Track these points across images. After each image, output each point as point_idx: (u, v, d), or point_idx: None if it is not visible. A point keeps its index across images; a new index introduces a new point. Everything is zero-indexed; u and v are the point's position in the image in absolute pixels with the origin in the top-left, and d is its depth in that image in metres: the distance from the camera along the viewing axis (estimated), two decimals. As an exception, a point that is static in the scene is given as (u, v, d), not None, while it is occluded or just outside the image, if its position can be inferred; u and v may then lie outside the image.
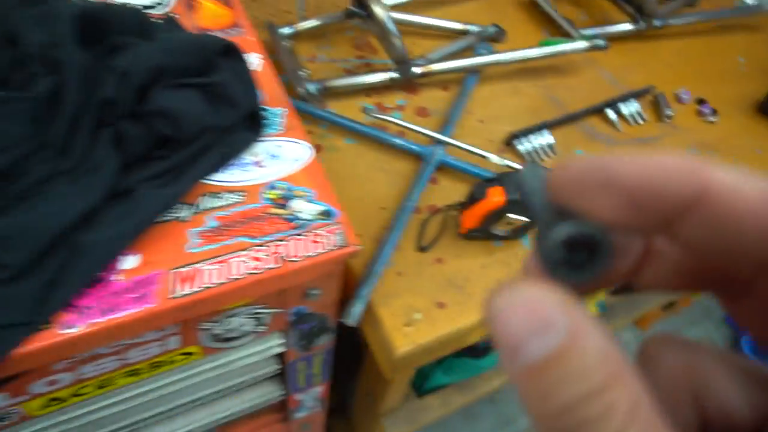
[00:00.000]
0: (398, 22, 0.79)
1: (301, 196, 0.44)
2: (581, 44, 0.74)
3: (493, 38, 0.82)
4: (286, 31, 0.74)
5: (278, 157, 0.46)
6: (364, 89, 0.70)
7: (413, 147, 0.62)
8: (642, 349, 0.14)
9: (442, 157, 0.62)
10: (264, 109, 0.49)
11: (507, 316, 0.11)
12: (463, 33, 0.80)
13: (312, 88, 0.66)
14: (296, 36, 0.75)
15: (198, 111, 0.41)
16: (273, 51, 0.71)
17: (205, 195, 0.43)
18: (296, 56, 0.74)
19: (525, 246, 0.58)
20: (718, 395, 0.13)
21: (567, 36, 0.83)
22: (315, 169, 0.46)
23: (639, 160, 0.12)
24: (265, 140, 0.47)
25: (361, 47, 0.78)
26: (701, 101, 0.78)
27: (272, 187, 0.44)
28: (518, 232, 0.56)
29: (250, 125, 0.46)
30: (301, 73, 0.68)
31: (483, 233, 0.56)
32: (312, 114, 0.65)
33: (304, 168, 0.46)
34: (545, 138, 0.68)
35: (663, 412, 0.10)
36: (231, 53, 0.44)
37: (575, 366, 0.10)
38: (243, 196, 0.44)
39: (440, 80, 0.74)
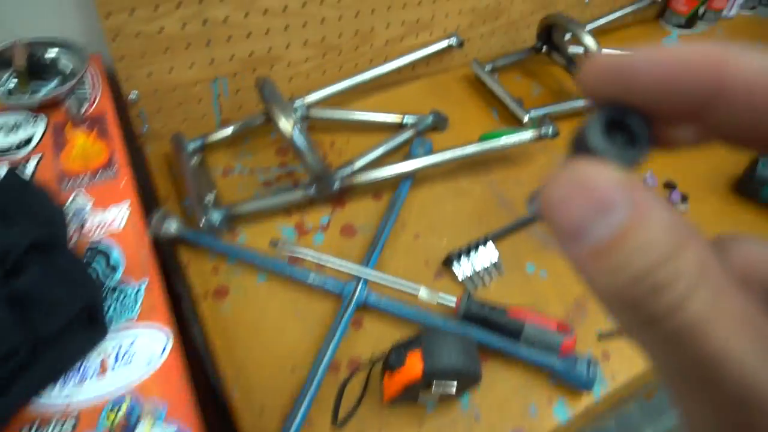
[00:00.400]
0: (326, 120, 0.72)
1: (149, 415, 0.35)
2: (526, 134, 0.66)
3: (435, 127, 0.74)
4: (195, 143, 0.66)
5: (129, 355, 0.37)
6: (282, 207, 0.62)
7: (330, 286, 0.53)
8: (715, 240, 0.13)
9: (363, 296, 0.53)
10: (115, 292, 0.40)
11: (565, 202, 0.11)
12: (400, 126, 0.72)
13: (216, 217, 0.58)
14: (211, 146, 0.67)
15: (3, 327, 0.33)
16: (178, 166, 0.63)
17: (24, 427, 0.34)
18: (207, 172, 0.65)
19: (464, 409, 0.48)
20: None
21: (516, 117, 0.75)
22: (171, 370, 0.37)
23: (657, 55, 0.12)
24: (114, 335, 0.38)
25: (284, 152, 0.69)
26: (669, 185, 0.70)
27: (115, 405, 0.35)
28: (451, 396, 0.46)
29: (90, 324, 0.37)
30: (208, 197, 0.60)
31: (410, 399, 0.46)
32: (217, 249, 0.57)
33: (159, 369, 0.37)
34: (489, 253, 0.59)
35: (733, 277, 0.11)
36: (49, 247, 0.35)
37: (642, 239, 0.10)
38: (75, 421, 0.34)
39: (372, 186, 0.66)
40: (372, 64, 0.77)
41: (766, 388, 0.09)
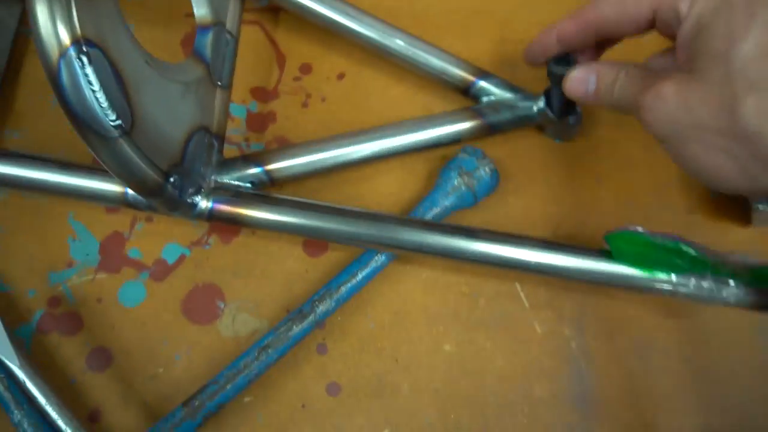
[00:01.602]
0: (324, 20, 0.33)
1: None
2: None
3: (540, 125, 0.31)
4: None
5: None
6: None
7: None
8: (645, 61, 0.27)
9: None
10: None
11: (574, 80, 0.26)
12: (464, 91, 0.31)
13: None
14: None
15: None
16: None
17: None
18: None
19: None
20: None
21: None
22: None
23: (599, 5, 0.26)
24: None
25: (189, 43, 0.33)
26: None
27: None
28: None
29: None
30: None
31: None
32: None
33: None
34: None
35: (642, 68, 0.24)
36: None
37: (603, 84, 0.25)
38: None
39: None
40: None
41: (636, 102, 0.23)
